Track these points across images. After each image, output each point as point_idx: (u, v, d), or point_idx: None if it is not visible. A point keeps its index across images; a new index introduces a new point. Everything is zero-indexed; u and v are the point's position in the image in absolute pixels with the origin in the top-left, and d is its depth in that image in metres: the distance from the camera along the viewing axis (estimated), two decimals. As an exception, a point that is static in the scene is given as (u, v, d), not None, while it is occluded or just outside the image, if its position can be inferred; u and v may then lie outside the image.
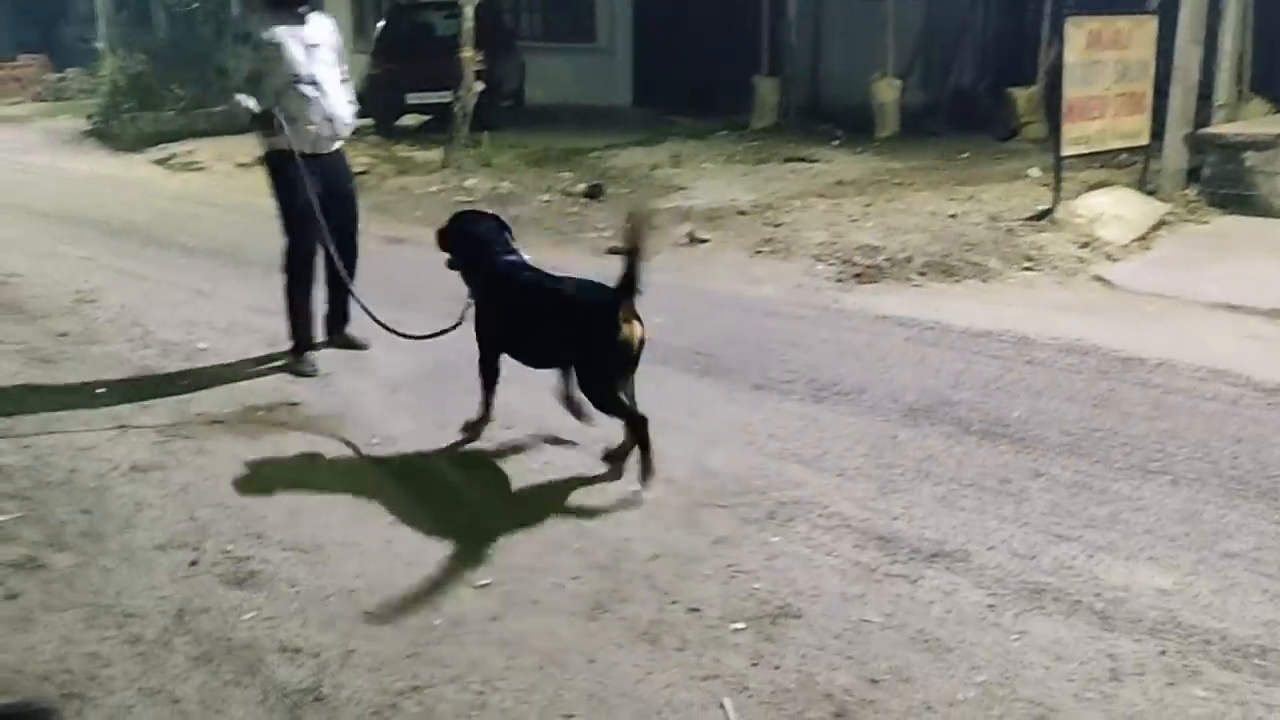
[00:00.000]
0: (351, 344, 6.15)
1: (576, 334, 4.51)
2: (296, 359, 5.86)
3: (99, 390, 5.50)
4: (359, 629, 3.40)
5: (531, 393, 5.39)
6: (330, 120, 5.81)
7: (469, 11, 12.46)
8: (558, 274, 4.94)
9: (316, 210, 5.64)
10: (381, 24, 17.12)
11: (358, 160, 13.13)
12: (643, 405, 5.22)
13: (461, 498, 4.30)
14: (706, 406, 5.25)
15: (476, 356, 4.87)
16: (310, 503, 4.26)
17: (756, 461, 4.61)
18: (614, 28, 17.97)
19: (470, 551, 3.87)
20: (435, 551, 3.87)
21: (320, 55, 5.77)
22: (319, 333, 6.08)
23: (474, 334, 4.88)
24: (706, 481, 4.42)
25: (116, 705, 3.03)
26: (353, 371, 5.77)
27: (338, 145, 5.94)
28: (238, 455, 4.71)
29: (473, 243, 5.00)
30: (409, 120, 15.70)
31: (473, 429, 4.87)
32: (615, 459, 4.54)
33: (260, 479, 4.48)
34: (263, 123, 5.65)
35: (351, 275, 6.02)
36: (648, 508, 4.19)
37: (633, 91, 17.77)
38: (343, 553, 3.86)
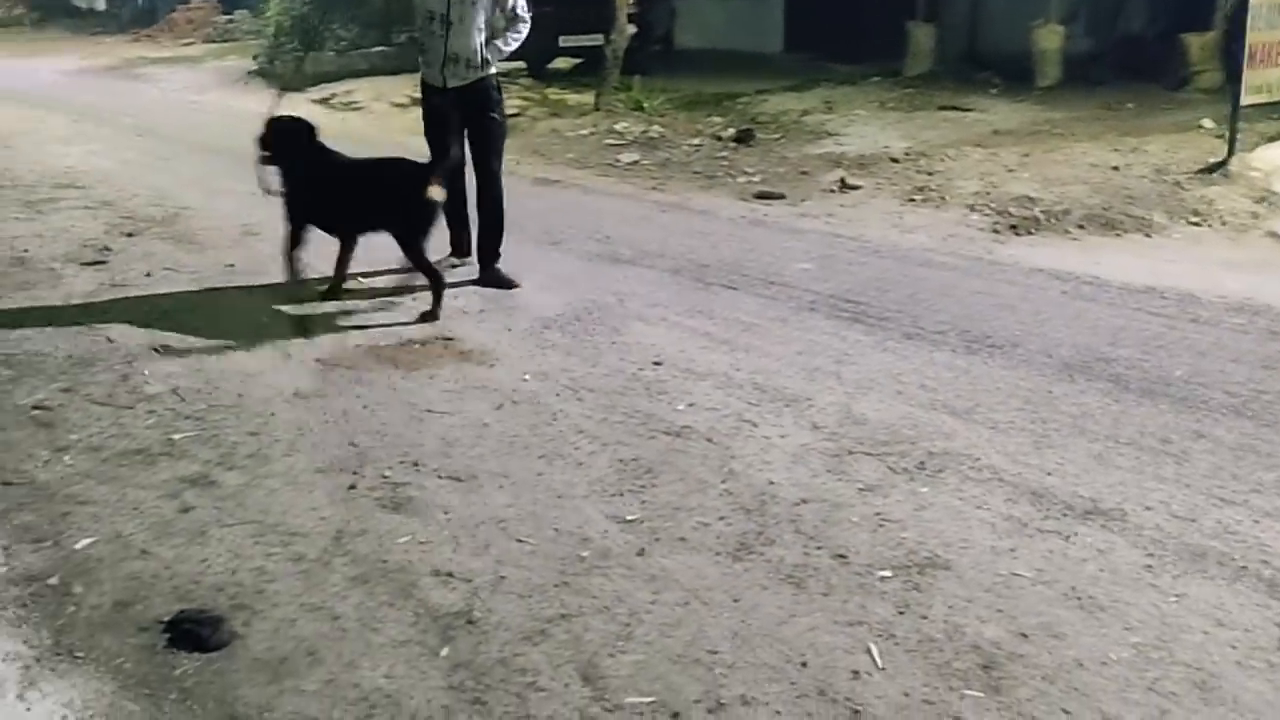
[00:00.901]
0: (500, 282, 6.28)
1: (397, 199, 5.74)
2: (441, 261, 6.26)
3: (265, 320, 5.70)
4: (509, 557, 3.47)
5: (684, 337, 5.43)
6: (455, 59, 6.12)
7: (623, -46, 12.44)
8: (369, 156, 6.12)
9: (447, 137, 5.97)
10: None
11: (510, 102, 13.35)
12: (790, 350, 5.24)
13: (609, 435, 4.34)
14: (856, 354, 5.20)
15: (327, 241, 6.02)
16: (464, 434, 4.36)
17: (906, 411, 4.55)
18: (767, -29, 17.70)
19: (617, 488, 3.91)
20: (583, 486, 3.93)
21: None
22: (470, 237, 6.53)
23: (286, 212, 5.93)
24: (855, 429, 4.38)
25: (281, 618, 3.17)
26: (504, 310, 5.86)
27: (475, 79, 6.19)
28: (394, 385, 4.84)
29: (291, 137, 5.93)
30: (560, 63, 15.76)
31: (288, 282, 6.00)
32: (429, 318, 5.70)
33: (416, 409, 4.59)
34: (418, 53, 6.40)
35: (488, 203, 6.36)
36: (795, 452, 4.18)
37: (784, 37, 17.48)
38: (494, 483, 3.95)
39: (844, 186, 8.81)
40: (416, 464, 4.10)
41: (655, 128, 11.33)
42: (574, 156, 10.45)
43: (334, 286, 6.06)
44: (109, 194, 8.41)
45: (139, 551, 3.49)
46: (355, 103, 14.06)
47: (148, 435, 4.33)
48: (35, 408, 4.56)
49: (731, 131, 11.01)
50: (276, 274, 6.38)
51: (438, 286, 5.78)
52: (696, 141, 10.78)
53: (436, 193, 5.67)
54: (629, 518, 3.71)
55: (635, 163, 10.07)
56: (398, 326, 5.60)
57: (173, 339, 5.36)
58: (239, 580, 3.34)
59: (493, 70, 6.29)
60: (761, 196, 8.65)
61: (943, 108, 12.06)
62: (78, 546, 3.52)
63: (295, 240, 5.95)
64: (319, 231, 6.03)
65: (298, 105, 14.19)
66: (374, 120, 12.94)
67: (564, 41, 15.14)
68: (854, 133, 10.97)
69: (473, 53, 6.12)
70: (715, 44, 17.07)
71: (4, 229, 7.37)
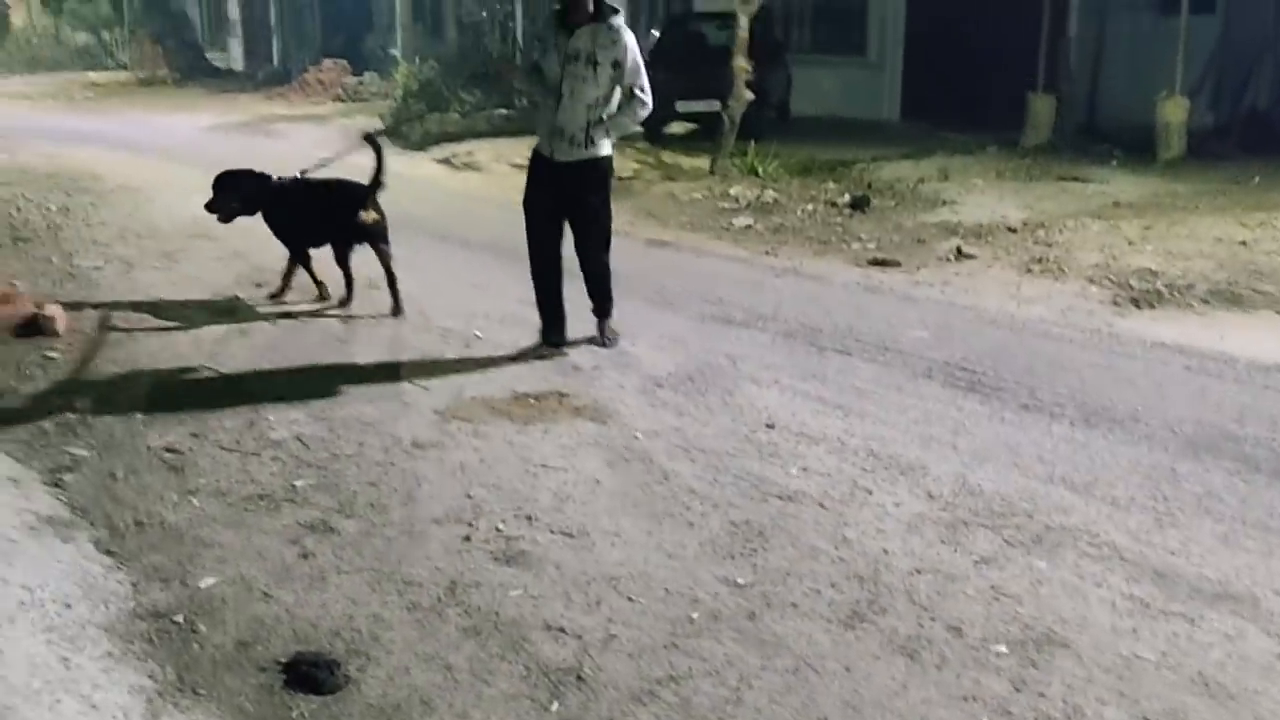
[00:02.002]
0: (594, 339, 6.30)
1: (340, 216, 6.78)
2: (536, 346, 6.18)
3: (384, 370, 5.84)
4: (620, 615, 3.49)
5: (797, 401, 5.42)
6: (561, 133, 5.87)
7: (744, 22, 12.59)
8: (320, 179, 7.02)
9: (542, 212, 6.08)
10: (655, 34, 17.47)
11: (625, 165, 13.56)
12: (905, 417, 5.19)
13: (720, 496, 4.34)
14: (971, 424, 5.13)
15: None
16: (576, 490, 4.40)
17: (1023, 483, 4.47)
18: (884, 41, 17.72)
19: (728, 550, 3.91)
20: (694, 547, 3.93)
21: (576, 69, 5.75)
22: (563, 330, 6.27)
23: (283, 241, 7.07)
24: (971, 500, 4.32)
25: (395, 666, 3.22)
26: (618, 367, 5.91)
27: (581, 156, 5.91)
28: (509, 439, 4.91)
29: (247, 181, 6.99)
30: (676, 128, 15.96)
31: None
32: (344, 302, 6.97)
33: (530, 463, 4.65)
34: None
35: (594, 290, 6.28)
36: (909, 521, 4.13)
37: (900, 105, 17.48)
38: (606, 540, 3.98)
39: (960, 255, 8.73)
40: (530, 518, 4.15)
41: (769, 193, 11.38)
42: (687, 219, 10.54)
43: (282, 290, 7.14)
44: (239, 245, 8.68)
45: (261, 594, 3.58)
46: (475, 163, 14.37)
47: (271, 481, 4.45)
48: (166, 450, 4.72)
49: (846, 198, 11.00)
50: (396, 326, 6.55)
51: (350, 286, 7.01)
52: (811, 207, 10.79)
53: (368, 216, 6.73)
54: (740, 581, 3.70)
55: (749, 227, 10.11)
56: (512, 381, 5.68)
57: (297, 387, 5.52)
58: (356, 626, 3.41)
59: (603, 151, 6.00)
60: (876, 263, 8.62)
61: (1061, 178, 11.90)
62: (203, 586, 3.63)
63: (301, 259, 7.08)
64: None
65: (420, 164, 14.63)
66: (492, 180, 13.20)
67: (681, 107, 15.33)
68: (970, 202, 10.88)
69: (579, 129, 5.83)
70: (831, 111, 17.13)
71: (142, 278, 7.68)
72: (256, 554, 3.84)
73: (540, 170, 6.08)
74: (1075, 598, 3.59)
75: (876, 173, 12.52)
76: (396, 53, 22.82)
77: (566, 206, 6.05)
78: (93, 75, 30.72)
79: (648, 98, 5.92)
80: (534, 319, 6.55)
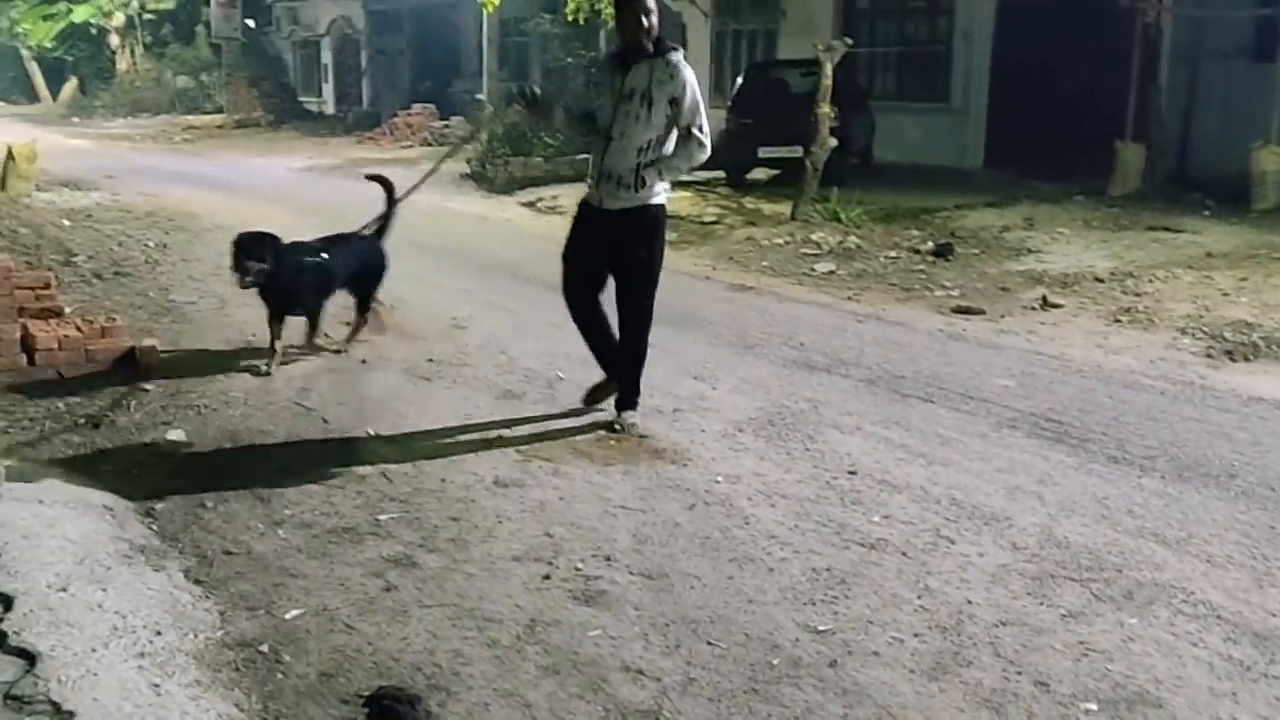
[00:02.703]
0: (612, 421, 5.63)
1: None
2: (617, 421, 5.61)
3: (468, 409, 5.89)
4: (699, 658, 3.47)
5: (879, 448, 5.38)
6: (609, 177, 5.35)
7: (828, 69, 12.62)
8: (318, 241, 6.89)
9: (581, 264, 5.63)
10: (739, 80, 17.57)
11: (707, 210, 13.63)
12: (989, 467, 5.12)
13: (801, 542, 4.31)
14: (1058, 475, 5.04)
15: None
16: (656, 532, 4.39)
17: (1112, 537, 4.38)
18: (969, 88, 17.64)
19: (809, 596, 3.87)
20: (775, 592, 3.90)
21: (629, 107, 5.29)
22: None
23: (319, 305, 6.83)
24: (1057, 552, 4.23)
25: (475, 702, 3.23)
26: (698, 411, 5.91)
27: (631, 203, 5.36)
28: (589, 479, 4.93)
29: (266, 247, 6.48)
30: (758, 174, 16.01)
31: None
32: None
33: (610, 504, 4.66)
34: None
35: (629, 333, 5.62)
36: (994, 572, 4.06)
37: (985, 152, 17.36)
38: (685, 583, 3.96)
39: (1046, 304, 8.62)
40: (609, 558, 4.15)
41: (852, 239, 11.35)
42: (769, 264, 10.54)
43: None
44: (328, 284, 8.89)
45: (344, 626, 3.62)
46: (558, 207, 14.51)
47: (356, 514, 4.51)
48: (254, 482, 4.81)
49: (929, 245, 10.94)
50: (479, 366, 6.62)
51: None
52: (893, 254, 10.74)
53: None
54: (821, 628, 3.66)
55: (831, 273, 10.09)
56: (594, 422, 5.70)
57: (382, 423, 5.60)
58: (436, 661, 3.43)
59: (655, 198, 5.40)
60: (960, 311, 8.54)
61: (1151, 228, 11.70)
62: (288, 616, 3.68)
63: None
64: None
65: (504, 207, 14.85)
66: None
67: (763, 153, 15.40)
68: (1056, 250, 10.76)
69: (627, 171, 5.29)
70: (914, 158, 17.06)
71: (236, 314, 7.86)
72: (340, 586, 3.88)
73: (586, 218, 5.59)
74: (1169, 657, 3.49)
75: (960, 220, 12.43)
76: (483, 97, 23.23)
77: (611, 259, 5.52)
78: (191, 118, 31.69)
79: (706, 139, 5.41)
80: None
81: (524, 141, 17.65)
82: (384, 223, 6.98)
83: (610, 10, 21.54)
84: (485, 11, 21.09)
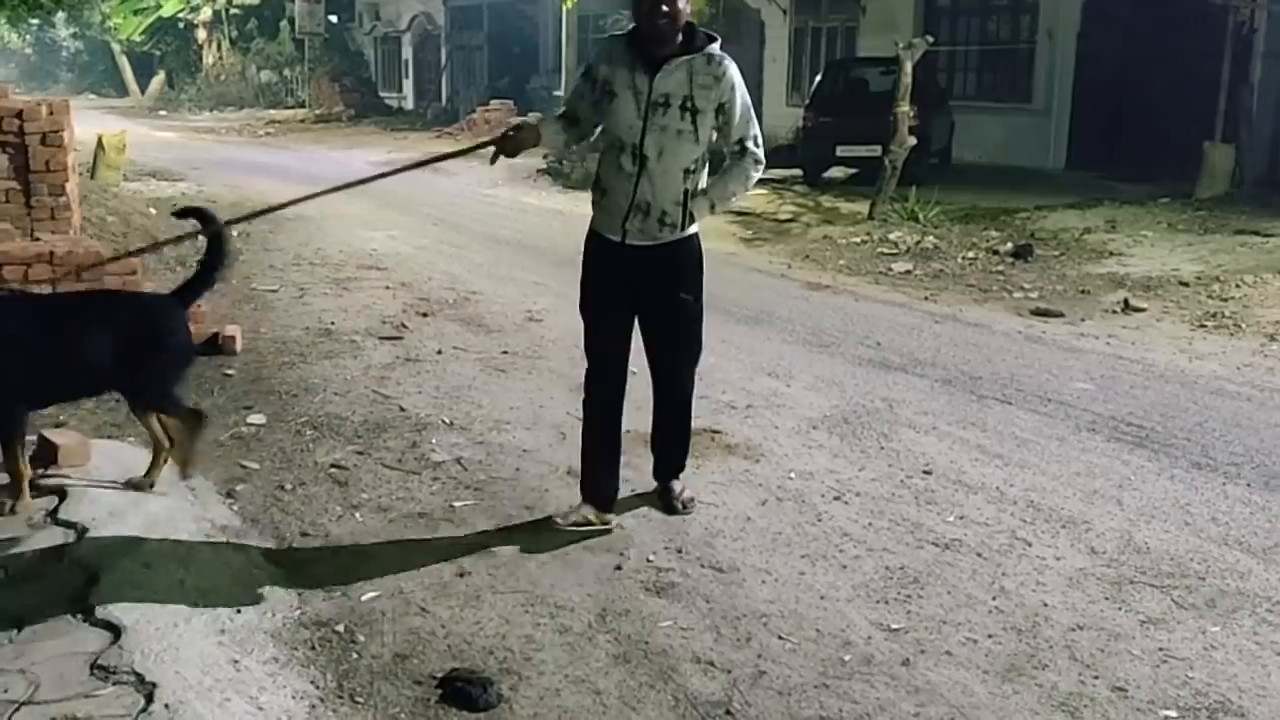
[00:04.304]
0: (668, 504, 4.54)
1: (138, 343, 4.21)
2: (570, 511, 4.37)
3: (542, 401, 5.93)
4: (770, 652, 3.46)
5: (955, 448, 5.32)
6: (644, 210, 4.09)
7: (908, 67, 12.51)
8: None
9: (611, 319, 4.30)
10: (818, 78, 17.48)
11: (783, 208, 13.58)
12: (1067, 470, 5.05)
13: (875, 540, 4.28)
14: (1138, 480, 4.95)
15: None
16: (727, 526, 4.39)
17: (1194, 544, 4.29)
18: (1052, 87, 17.37)
19: (882, 594, 3.85)
20: (847, 589, 3.88)
21: (666, 119, 4.01)
22: (616, 486, 4.46)
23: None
24: (1137, 558, 4.16)
25: (546, 687, 3.25)
26: (772, 408, 5.89)
27: (670, 239, 4.14)
28: (662, 473, 4.94)
29: None
30: (836, 172, 15.92)
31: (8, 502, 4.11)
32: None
33: (682, 498, 4.66)
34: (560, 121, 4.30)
35: (670, 408, 4.50)
36: (1071, 576, 4.00)
37: (1067, 153, 17.10)
38: (756, 577, 3.96)
39: (1127, 308, 8.47)
40: (680, 551, 4.16)
41: (929, 239, 11.24)
42: (846, 263, 10.48)
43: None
44: (407, 276, 8.99)
45: (418, 609, 3.66)
46: (634, 202, 14.59)
47: (431, 500, 4.56)
48: (333, 466, 4.88)
49: (1008, 246, 10.80)
50: (554, 358, 6.65)
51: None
52: (971, 255, 10.62)
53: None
54: (894, 626, 3.63)
55: (908, 272, 10.01)
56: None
57: (458, 413, 5.65)
58: (508, 646, 3.46)
59: (694, 229, 4.23)
60: (1039, 313, 8.42)
61: (1239, 232, 11.42)
62: (363, 598, 3.73)
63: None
64: None
65: (579, 203, 14.87)
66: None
67: (841, 151, 15.32)
68: (1139, 254, 10.56)
69: (672, 204, 4.07)
70: (994, 159, 16.86)
71: (315, 303, 7.99)
72: (415, 570, 3.92)
73: (605, 261, 4.26)
74: (1253, 665, 3.42)
75: (1040, 222, 12.25)
76: (560, 93, 23.36)
77: (645, 308, 4.29)
78: (273, 112, 32.23)
79: (761, 153, 4.21)
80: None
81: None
82: (201, 278, 4.49)
83: (692, 4, 21.68)
84: (564, 8, 21.22)
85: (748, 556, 4.12)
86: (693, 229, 4.20)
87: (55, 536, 3.85)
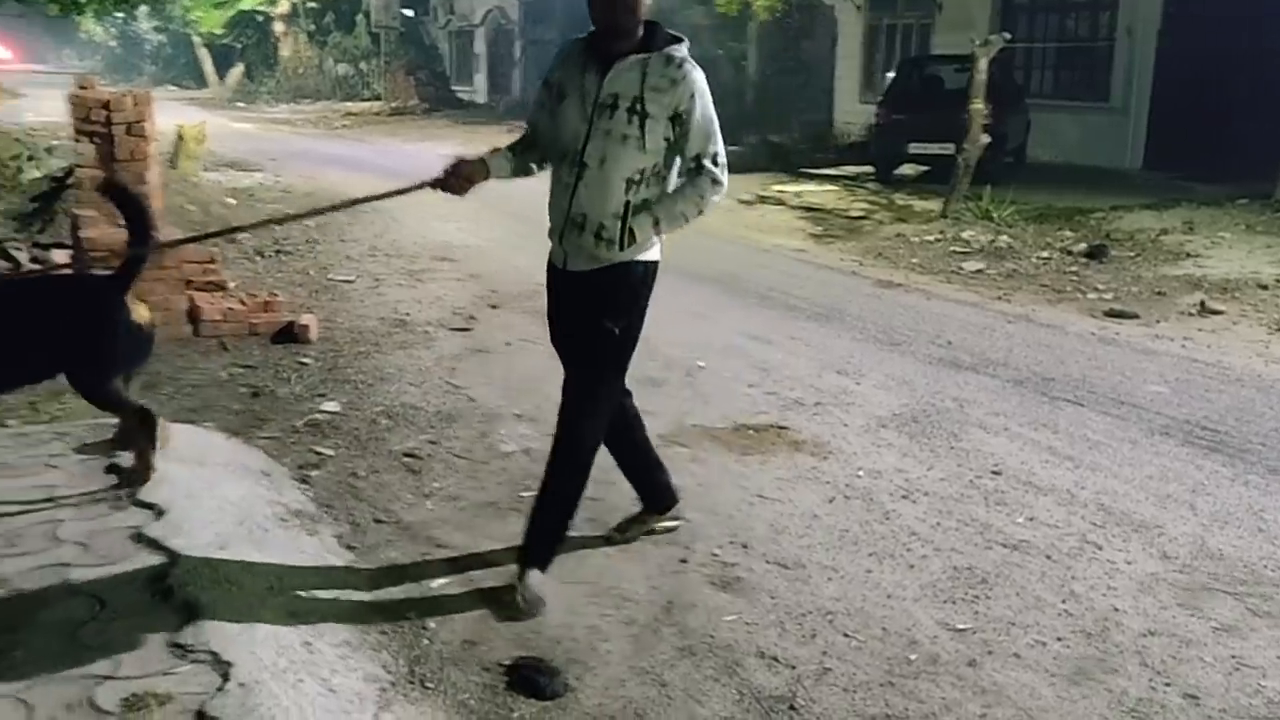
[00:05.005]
0: (501, 598, 3.69)
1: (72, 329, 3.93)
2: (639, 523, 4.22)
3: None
4: (835, 649, 3.46)
5: (1025, 449, 5.28)
6: (579, 225, 3.59)
7: (982, 64, 12.39)
8: None
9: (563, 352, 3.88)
10: (891, 75, 17.35)
11: (854, 205, 13.50)
12: (1140, 473, 4.98)
13: (943, 540, 4.26)
14: (1212, 484, 4.87)
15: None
16: (793, 522, 4.39)
17: (1270, 551, 4.22)
18: (1131, 86, 17.09)
19: (949, 594, 3.83)
20: (914, 588, 3.87)
21: (611, 122, 3.51)
22: (655, 484, 4.26)
23: None
24: (1210, 564, 4.10)
25: (611, 677, 3.28)
26: (841, 405, 5.87)
27: (607, 261, 3.61)
28: (728, 468, 4.95)
29: None
30: (908, 170, 15.80)
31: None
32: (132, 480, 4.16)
33: (748, 493, 4.67)
34: (501, 149, 3.81)
35: (553, 466, 3.81)
36: (1142, 581, 3.96)
37: (1145, 153, 16.81)
38: (822, 574, 3.96)
39: (1204, 310, 8.32)
40: (746, 546, 4.17)
41: (1003, 238, 11.12)
42: (918, 261, 10.40)
43: None
44: (477, 268, 9.08)
45: (487, 597, 3.71)
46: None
47: (500, 490, 4.62)
48: (406, 454, 4.96)
49: (1083, 246, 10.66)
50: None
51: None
52: (1045, 254, 10.49)
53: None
54: (960, 626, 3.62)
55: (980, 272, 9.91)
56: (733, 411, 5.71)
57: (527, 404, 5.70)
58: (574, 636, 3.49)
59: (643, 254, 3.65)
60: (1113, 314, 8.30)
61: (1323, 234, 11.20)
62: (433, 585, 3.79)
63: None
64: None
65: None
66: (720, 216, 13.22)
67: (914, 148, 15.21)
68: (1217, 255, 10.36)
69: (610, 217, 3.54)
70: (1069, 158, 16.64)
71: (389, 293, 8.11)
72: (484, 559, 3.98)
73: (552, 290, 3.87)
74: (1326, 675, 3.37)
75: (1115, 222, 12.07)
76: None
77: (569, 339, 3.82)
78: (349, 104, 32.61)
79: (722, 174, 3.64)
80: (754, 351, 6.60)
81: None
82: (133, 263, 4.12)
83: (763, 0, 21.55)
84: (637, 3, 21.25)
85: (814, 553, 4.13)
86: (643, 255, 3.64)
87: (135, 518, 3.95)
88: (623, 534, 4.20)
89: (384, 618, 3.55)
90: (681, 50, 3.59)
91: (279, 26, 37.57)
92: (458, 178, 3.73)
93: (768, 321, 7.74)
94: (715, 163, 3.61)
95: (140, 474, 4.16)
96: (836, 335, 7.43)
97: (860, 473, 4.94)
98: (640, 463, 4.21)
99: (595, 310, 3.64)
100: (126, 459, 4.22)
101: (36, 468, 4.32)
